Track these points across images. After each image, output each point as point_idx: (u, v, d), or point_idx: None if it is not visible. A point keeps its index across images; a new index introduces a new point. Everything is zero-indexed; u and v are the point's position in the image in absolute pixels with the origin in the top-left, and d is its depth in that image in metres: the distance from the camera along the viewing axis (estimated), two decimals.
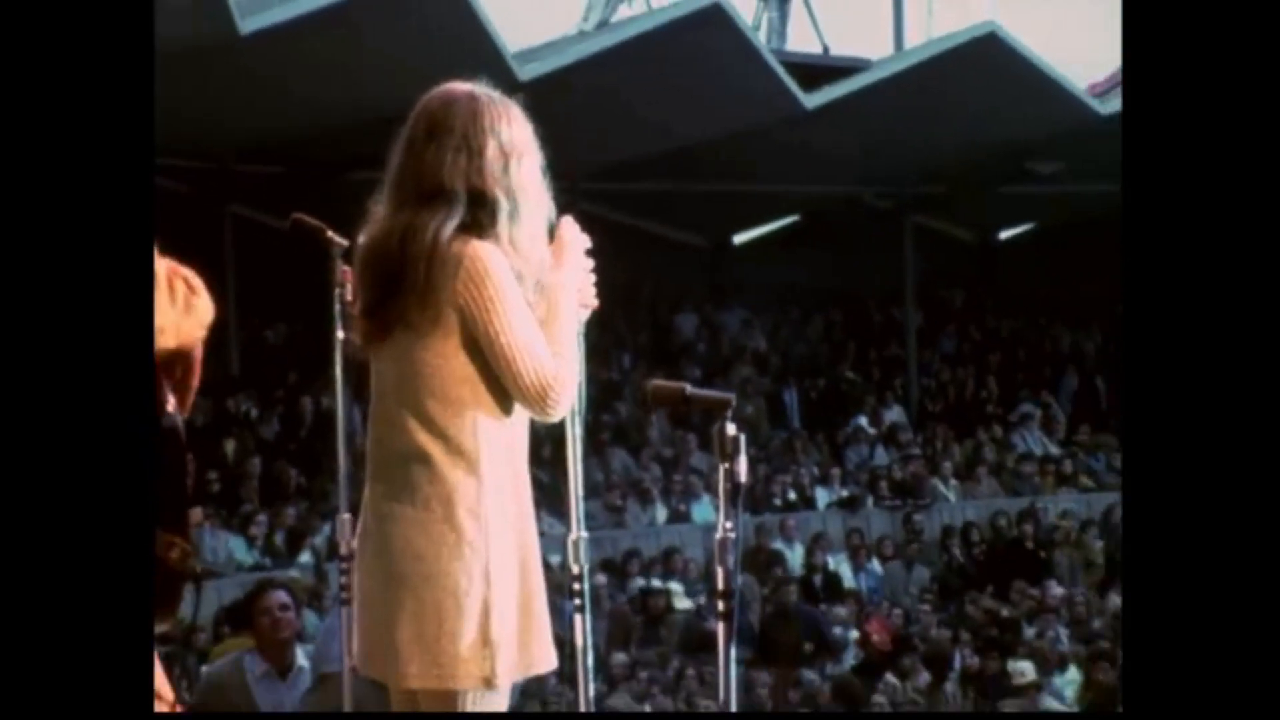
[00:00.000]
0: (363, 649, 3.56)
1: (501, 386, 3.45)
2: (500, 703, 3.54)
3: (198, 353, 2.63)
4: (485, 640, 3.42)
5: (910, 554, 18.81)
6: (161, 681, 2.57)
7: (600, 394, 18.54)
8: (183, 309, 2.51)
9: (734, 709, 3.54)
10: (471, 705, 3.46)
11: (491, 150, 3.49)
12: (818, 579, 17.70)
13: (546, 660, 3.57)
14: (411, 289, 3.42)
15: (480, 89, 3.58)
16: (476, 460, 3.45)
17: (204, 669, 7.07)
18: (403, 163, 3.53)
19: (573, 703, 4.12)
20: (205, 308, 2.58)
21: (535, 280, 3.52)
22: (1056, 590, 16.39)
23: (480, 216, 3.46)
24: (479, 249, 3.42)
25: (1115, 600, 16.11)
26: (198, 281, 2.59)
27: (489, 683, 3.45)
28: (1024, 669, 12.45)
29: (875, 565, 18.45)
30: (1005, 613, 15.51)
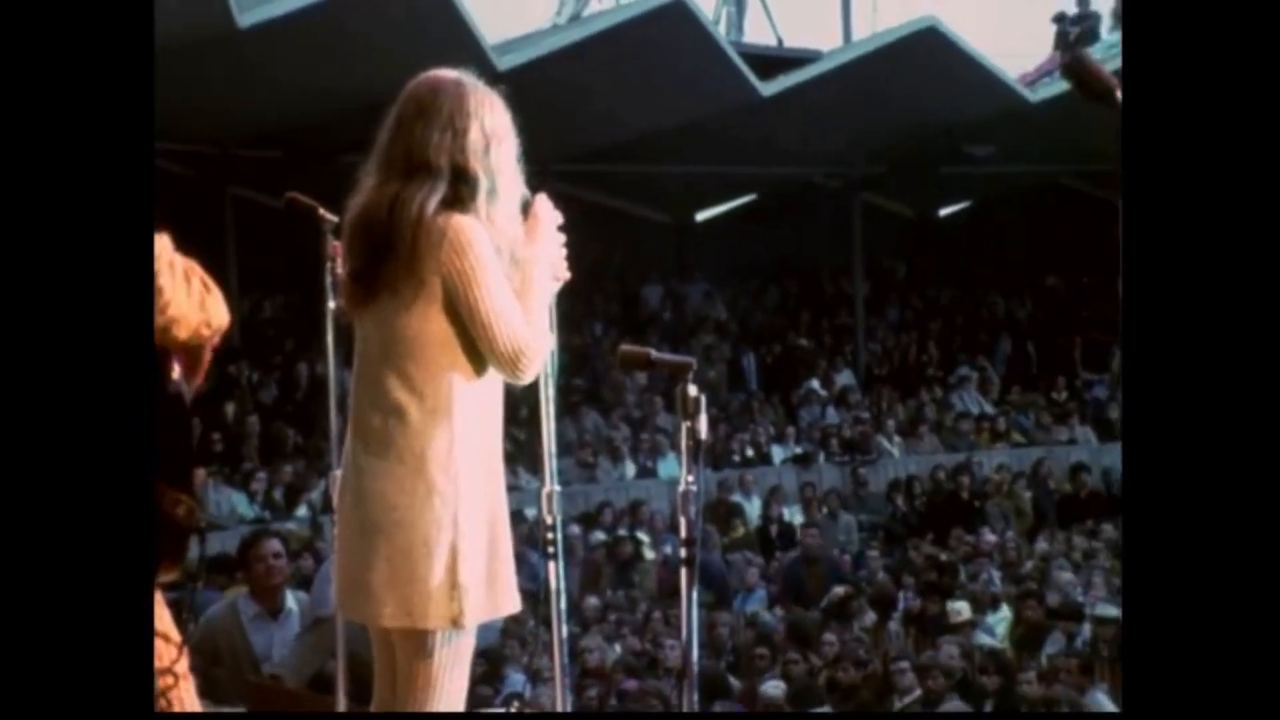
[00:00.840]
0: (341, 591, 3.56)
1: (477, 350, 3.44)
2: (468, 642, 3.54)
3: (206, 355, 2.62)
4: (453, 584, 3.42)
5: (857, 505, 18.90)
6: (169, 624, 2.56)
7: (572, 359, 18.56)
8: (197, 304, 2.50)
9: (695, 648, 3.55)
10: (441, 644, 3.47)
11: (474, 132, 3.49)
12: (774, 529, 17.77)
13: (511, 603, 3.57)
14: (398, 257, 3.41)
15: (466, 76, 3.58)
16: (450, 417, 3.44)
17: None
18: (391, 139, 3.52)
19: (548, 643, 4.12)
20: (217, 308, 2.57)
21: (511, 253, 3.52)
22: (989, 537, 16.46)
23: (462, 192, 3.46)
24: (462, 222, 3.41)
25: (1042, 545, 16.20)
26: (214, 284, 2.58)
27: (456, 623, 3.45)
28: (960, 608, 12.51)
29: (825, 515, 18.50)
30: (944, 557, 15.56)
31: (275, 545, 7.10)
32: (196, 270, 2.52)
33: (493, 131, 3.52)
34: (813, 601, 13.59)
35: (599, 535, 16.23)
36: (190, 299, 2.48)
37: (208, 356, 2.62)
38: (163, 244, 2.46)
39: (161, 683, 2.51)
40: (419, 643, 3.46)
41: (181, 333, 2.47)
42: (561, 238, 3.69)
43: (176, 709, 2.52)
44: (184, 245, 2.62)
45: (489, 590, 3.49)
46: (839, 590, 13.21)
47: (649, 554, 15.77)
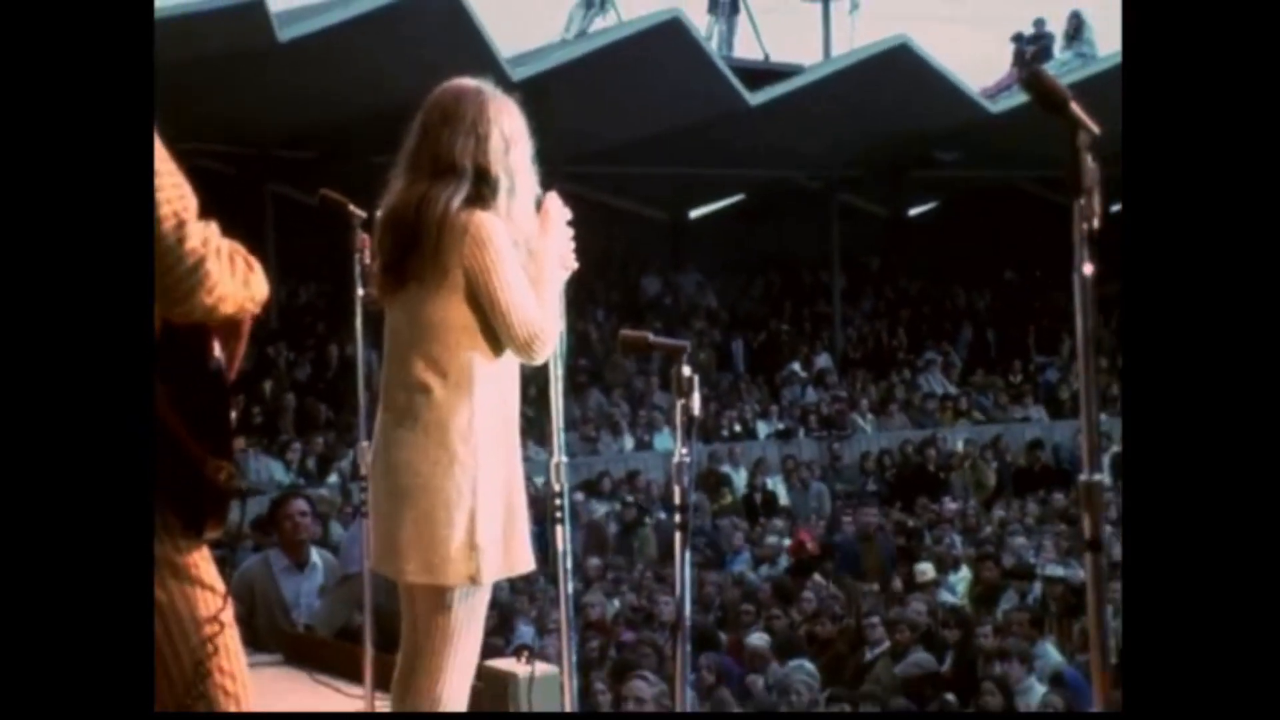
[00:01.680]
0: (374, 548, 3.59)
1: (494, 334, 3.45)
2: (483, 598, 3.54)
3: (245, 326, 2.61)
4: (471, 545, 3.42)
5: (834, 476, 18.92)
6: (215, 577, 2.56)
7: (578, 342, 18.56)
8: (241, 282, 2.49)
9: (688, 604, 3.55)
10: (459, 599, 3.47)
11: (495, 137, 3.48)
12: (758, 497, 17.79)
13: (525, 562, 3.56)
14: (424, 250, 3.41)
15: (485, 85, 3.57)
16: (470, 394, 3.44)
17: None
18: (419, 143, 3.51)
19: (555, 598, 4.12)
20: (259, 284, 2.56)
21: (527, 246, 3.53)
22: (951, 505, 16.51)
23: (484, 191, 3.45)
24: (483, 218, 3.42)
25: (999, 512, 16.21)
26: (255, 262, 2.57)
27: (474, 580, 3.45)
28: (925, 569, 12.54)
29: (804, 484, 18.54)
30: (910, 523, 15.60)
31: (302, 505, 7.17)
32: (239, 251, 2.52)
33: (511, 136, 3.52)
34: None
35: (600, 502, 16.26)
36: (235, 278, 2.48)
37: (247, 328, 2.61)
38: (210, 231, 2.45)
39: (209, 629, 2.51)
40: (439, 598, 3.47)
41: (229, 308, 2.47)
42: (570, 232, 3.69)
43: (223, 654, 2.52)
44: (227, 234, 2.62)
45: (504, 551, 3.49)
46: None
47: (647, 520, 15.78)
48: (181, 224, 2.38)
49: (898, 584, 12.36)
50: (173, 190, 2.39)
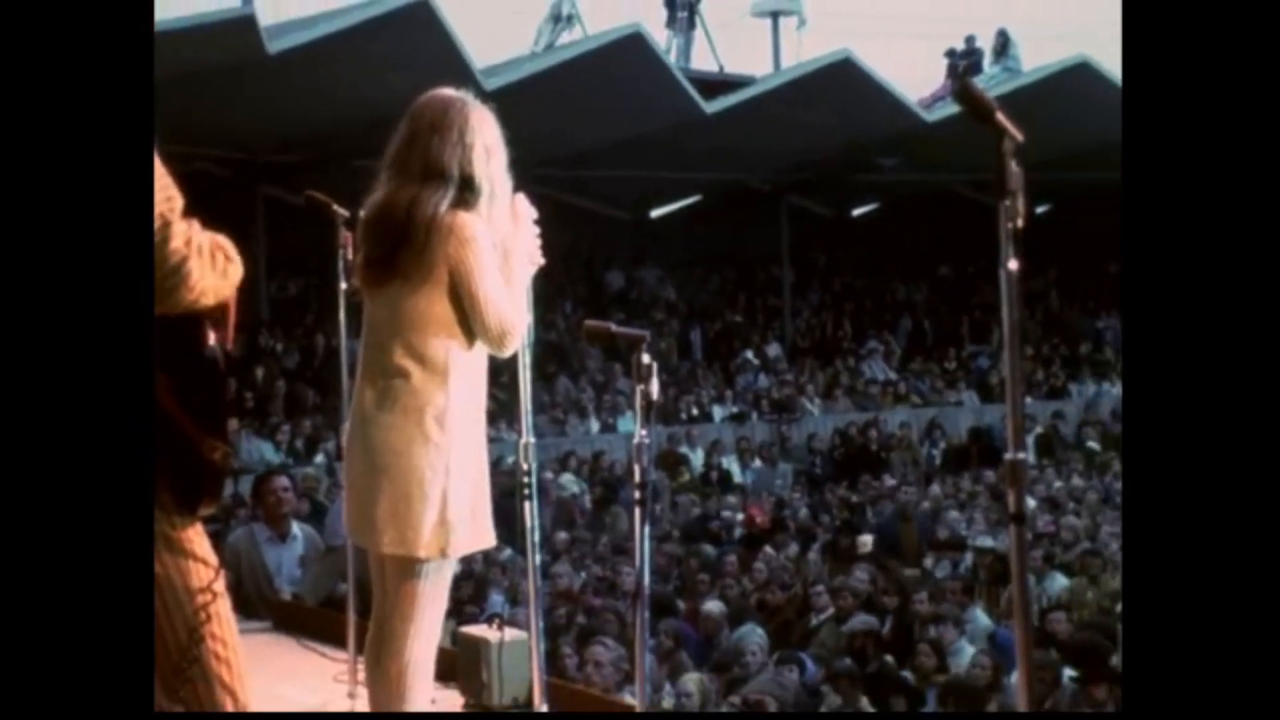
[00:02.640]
0: (350, 521, 3.57)
1: (469, 326, 3.45)
2: (450, 570, 3.54)
3: (232, 310, 2.61)
4: (443, 520, 3.42)
5: (783, 456, 18.96)
6: (207, 550, 2.56)
7: (546, 332, 18.54)
8: (220, 274, 2.48)
9: (647, 576, 3.56)
10: (430, 571, 3.47)
11: (479, 146, 3.50)
12: (714, 475, 17.82)
13: (488, 539, 3.56)
14: (412, 248, 3.41)
15: (467, 95, 3.58)
16: (446, 381, 3.45)
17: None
18: (408, 148, 3.50)
19: (524, 569, 4.11)
20: (237, 272, 2.55)
21: (503, 246, 3.53)
22: (891, 482, 16.57)
23: (467, 196, 3.46)
24: (467, 220, 3.42)
25: (934, 489, 16.29)
26: (233, 251, 2.56)
27: (444, 553, 3.45)
28: (866, 540, 12.60)
29: (756, 464, 18.58)
30: (854, 499, 15.65)
31: (284, 481, 7.27)
32: (220, 245, 2.50)
33: (491, 145, 3.53)
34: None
35: (567, 480, 16.24)
36: (214, 271, 2.47)
37: (234, 311, 2.61)
38: (192, 230, 2.44)
39: (202, 599, 2.50)
40: (411, 568, 3.46)
41: (210, 299, 2.46)
42: (537, 230, 3.69)
43: (215, 621, 2.51)
44: (221, 232, 2.61)
45: (472, 527, 3.49)
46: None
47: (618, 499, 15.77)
48: (166, 225, 2.38)
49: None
50: (159, 194, 2.39)
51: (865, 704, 7.70)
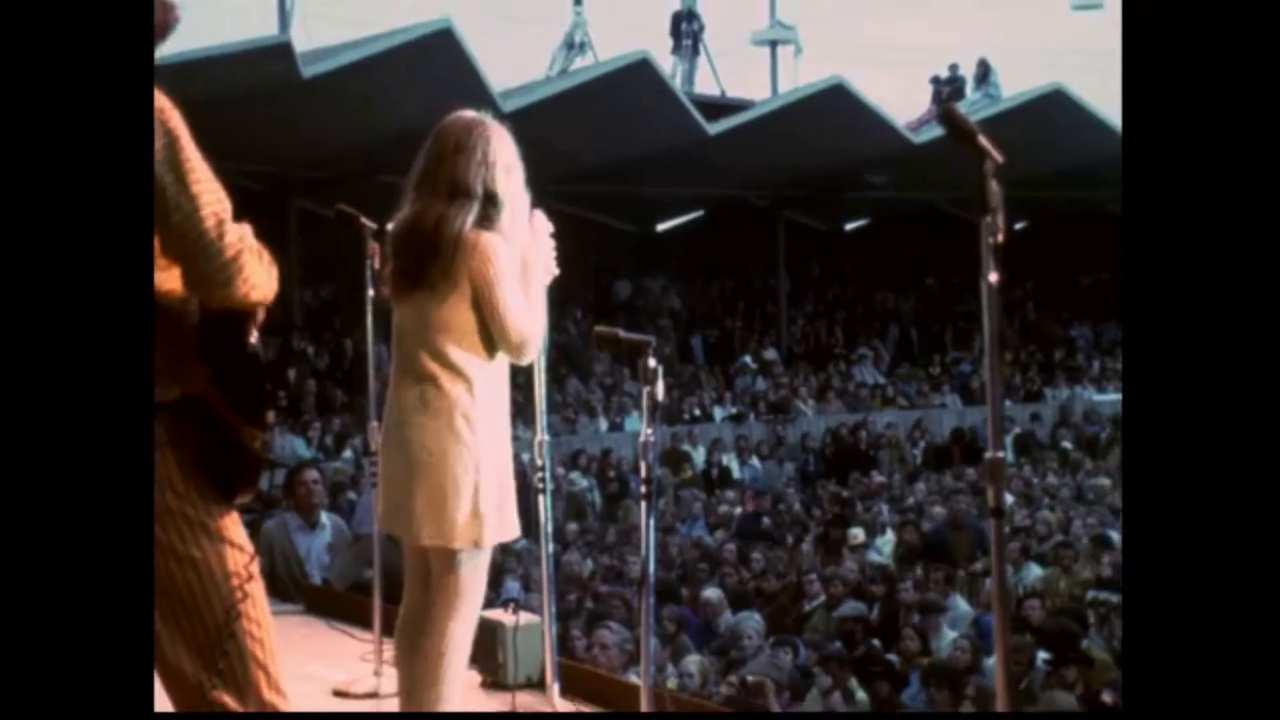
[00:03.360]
0: (386, 515, 3.57)
1: (490, 334, 3.46)
2: (486, 558, 3.55)
3: (260, 310, 2.62)
4: (475, 514, 3.43)
5: (780, 454, 18.94)
6: (243, 537, 2.55)
7: (558, 337, 18.54)
8: (269, 273, 2.51)
9: (652, 565, 3.56)
10: (466, 560, 3.48)
11: (501, 165, 3.50)
12: (714, 472, 17.79)
13: (515, 529, 3.57)
14: (441, 261, 3.42)
15: (487, 117, 3.58)
16: (472, 384, 3.45)
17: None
18: (435, 168, 3.50)
19: (538, 558, 4.11)
20: (276, 277, 2.58)
21: (523, 257, 3.54)
22: (879, 478, 16.54)
23: (490, 212, 3.47)
24: (490, 239, 3.43)
25: (919, 485, 16.27)
26: (269, 257, 2.58)
27: (478, 544, 3.46)
28: (857, 533, 12.56)
29: (755, 462, 18.55)
30: (844, 494, 15.63)
31: (314, 474, 7.31)
32: (265, 251, 2.53)
33: (510, 161, 3.53)
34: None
35: (577, 476, 16.23)
36: (264, 268, 2.49)
37: (261, 310, 2.62)
38: (245, 230, 2.46)
39: (237, 581, 2.50)
40: (449, 559, 3.47)
41: (259, 295, 2.48)
42: (553, 243, 3.69)
43: (250, 602, 2.51)
44: (257, 241, 2.63)
45: (500, 519, 3.50)
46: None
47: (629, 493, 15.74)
48: (221, 223, 2.40)
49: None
50: (212, 196, 2.40)
51: (854, 684, 7.68)
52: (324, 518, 7.11)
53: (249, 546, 2.55)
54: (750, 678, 7.24)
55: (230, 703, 2.47)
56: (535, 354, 3.57)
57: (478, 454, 3.43)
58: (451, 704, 3.50)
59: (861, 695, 7.58)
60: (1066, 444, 19.77)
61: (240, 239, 2.42)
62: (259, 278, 2.44)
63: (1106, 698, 6.16)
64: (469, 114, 3.58)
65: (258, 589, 2.53)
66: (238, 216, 2.52)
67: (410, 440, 3.44)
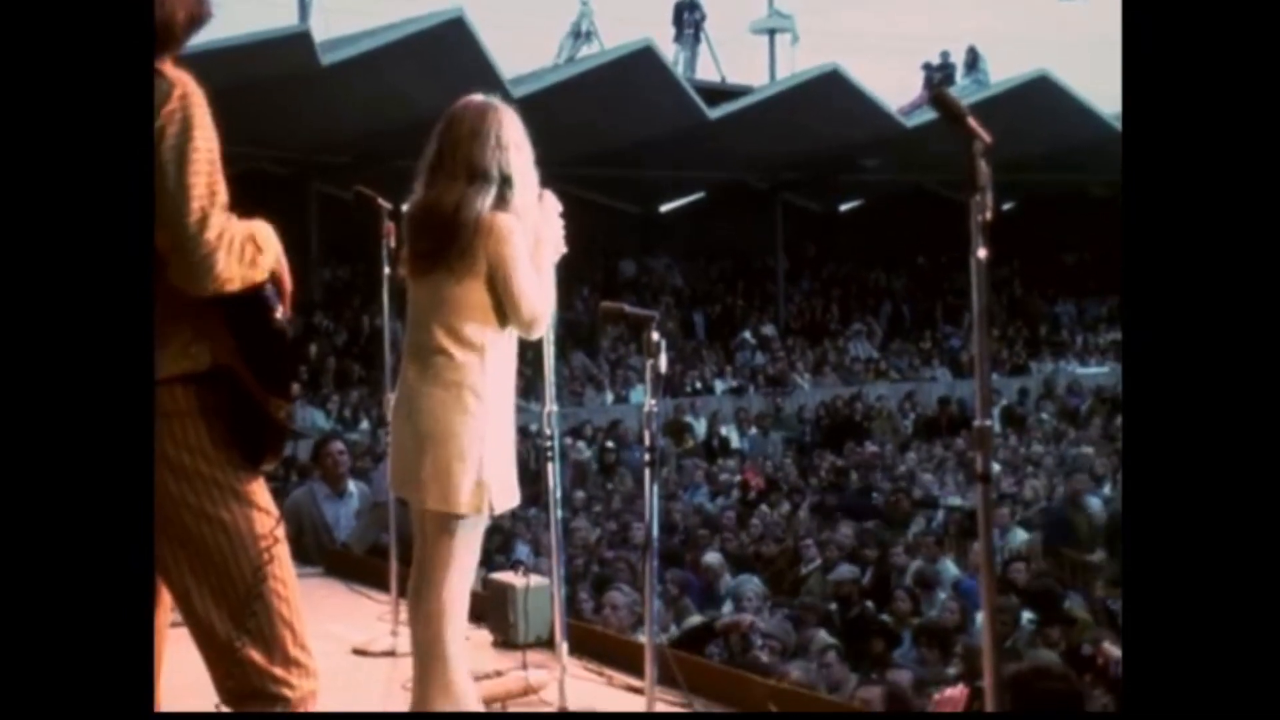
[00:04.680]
0: (395, 480, 3.57)
1: (503, 312, 3.46)
2: (483, 523, 3.55)
3: (282, 275, 2.59)
4: (479, 482, 3.43)
5: (777, 425, 18.95)
6: (269, 501, 2.56)
7: (566, 313, 18.54)
8: (249, 264, 2.45)
9: (655, 529, 3.57)
10: (467, 526, 3.47)
11: (513, 147, 3.49)
12: (715, 442, 17.82)
13: (515, 498, 3.57)
14: (457, 242, 3.41)
15: (498, 101, 3.56)
16: (482, 357, 3.45)
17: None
18: (451, 151, 3.47)
19: (547, 524, 4.12)
20: (268, 258, 2.52)
21: (534, 234, 3.54)
22: (873, 448, 16.55)
23: (505, 192, 3.45)
24: (506, 220, 3.42)
25: (910, 455, 16.27)
26: (267, 240, 2.51)
27: (480, 510, 3.47)
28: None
29: (753, 432, 18.57)
30: (839, 463, 15.64)
31: (340, 445, 7.32)
32: (252, 237, 2.47)
33: (521, 143, 3.51)
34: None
35: (583, 445, 16.25)
36: (242, 262, 2.44)
37: (287, 286, 2.60)
38: (228, 224, 2.42)
39: (264, 543, 2.52)
40: (449, 523, 3.47)
41: (233, 287, 2.45)
42: (561, 223, 3.69)
43: (276, 563, 2.52)
44: (277, 224, 2.60)
45: (504, 488, 3.50)
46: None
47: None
48: (205, 218, 2.36)
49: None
50: (204, 187, 2.37)
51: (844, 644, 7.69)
52: (351, 486, 7.08)
53: (275, 511, 2.56)
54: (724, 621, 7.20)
55: (258, 658, 2.49)
56: (545, 329, 3.57)
57: (484, 425, 3.43)
58: (457, 661, 3.51)
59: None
60: (1049, 415, 19.78)
61: (219, 235, 2.38)
62: (232, 271, 2.40)
63: (1086, 650, 6.20)
64: (479, 98, 3.57)
65: (283, 551, 2.54)
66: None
67: (420, 410, 3.45)
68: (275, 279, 2.55)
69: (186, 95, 2.36)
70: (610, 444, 16.21)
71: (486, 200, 3.42)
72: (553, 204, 3.66)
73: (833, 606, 8.50)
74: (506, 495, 3.51)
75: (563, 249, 3.69)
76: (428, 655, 3.51)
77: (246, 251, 2.43)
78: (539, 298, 3.46)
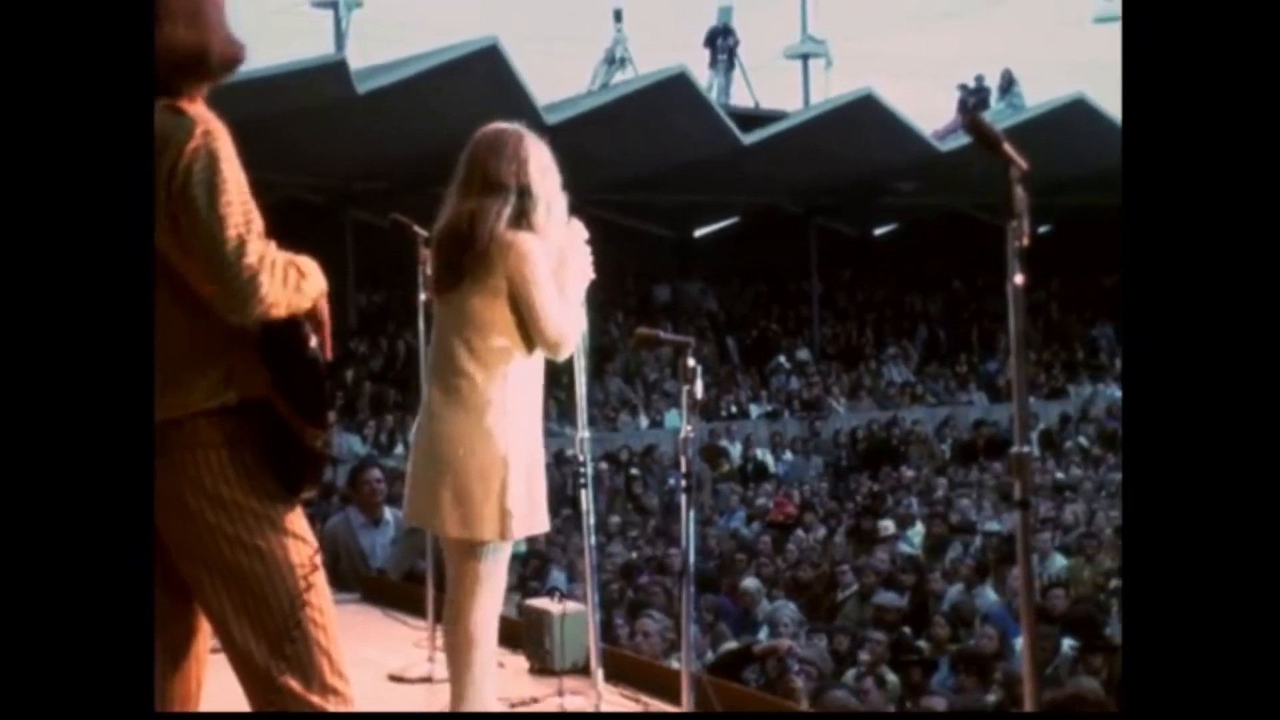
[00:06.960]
0: (413, 506, 3.54)
1: (527, 332, 3.45)
2: (508, 552, 3.53)
3: (322, 310, 2.61)
4: (501, 508, 3.41)
5: (813, 449, 18.88)
6: (306, 530, 2.57)
7: (600, 338, 18.55)
8: (293, 289, 2.47)
9: (692, 556, 3.56)
10: (488, 552, 3.45)
11: (534, 163, 3.49)
12: (750, 467, 17.77)
13: (543, 523, 3.54)
14: (474, 253, 3.41)
15: (520, 126, 3.58)
16: (504, 381, 3.44)
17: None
18: (469, 169, 3.49)
19: (582, 549, 4.11)
20: (313, 286, 2.53)
21: (558, 256, 3.53)
22: (909, 472, 16.46)
23: (525, 206, 3.44)
24: (526, 238, 3.42)
25: (946, 479, 16.17)
26: (309, 268, 2.54)
27: (502, 536, 3.45)
28: (887, 525, 12.49)
29: (789, 456, 18.51)
30: (875, 488, 15.56)
31: (376, 472, 7.15)
32: (294, 263, 2.49)
33: (545, 164, 3.52)
34: None
35: (618, 470, 16.22)
36: (287, 287, 2.46)
37: (326, 317, 2.61)
38: (267, 249, 2.44)
39: (302, 571, 2.52)
40: (472, 550, 3.46)
41: (279, 312, 2.46)
42: (588, 250, 3.68)
43: (314, 591, 2.53)
44: (313, 251, 2.62)
45: (527, 513, 3.48)
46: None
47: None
48: (243, 243, 2.38)
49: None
50: (240, 214, 2.39)
51: (886, 671, 7.64)
52: (388, 514, 7.00)
53: (312, 539, 2.56)
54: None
55: (296, 686, 2.49)
56: (571, 350, 3.55)
57: (505, 449, 3.40)
58: (485, 689, 3.50)
59: (892, 678, 7.54)
60: (1088, 439, 19.62)
61: (260, 259, 2.39)
62: (277, 294, 2.42)
63: None
64: (500, 123, 3.59)
65: (321, 579, 2.54)
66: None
67: (440, 434, 3.43)
68: (315, 313, 2.56)
69: (210, 132, 2.39)
70: (641, 470, 16.17)
71: (504, 212, 3.41)
72: (580, 231, 3.66)
73: (875, 634, 8.44)
74: (532, 520, 3.49)
75: (590, 275, 3.69)
76: (459, 680, 3.51)
77: (290, 276, 2.45)
78: (563, 318, 3.44)
